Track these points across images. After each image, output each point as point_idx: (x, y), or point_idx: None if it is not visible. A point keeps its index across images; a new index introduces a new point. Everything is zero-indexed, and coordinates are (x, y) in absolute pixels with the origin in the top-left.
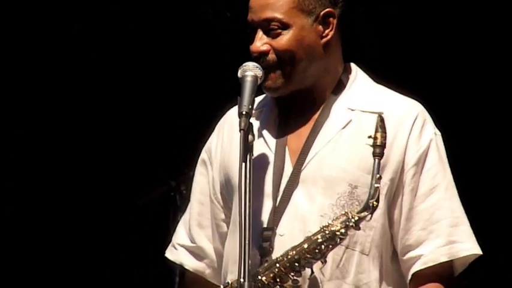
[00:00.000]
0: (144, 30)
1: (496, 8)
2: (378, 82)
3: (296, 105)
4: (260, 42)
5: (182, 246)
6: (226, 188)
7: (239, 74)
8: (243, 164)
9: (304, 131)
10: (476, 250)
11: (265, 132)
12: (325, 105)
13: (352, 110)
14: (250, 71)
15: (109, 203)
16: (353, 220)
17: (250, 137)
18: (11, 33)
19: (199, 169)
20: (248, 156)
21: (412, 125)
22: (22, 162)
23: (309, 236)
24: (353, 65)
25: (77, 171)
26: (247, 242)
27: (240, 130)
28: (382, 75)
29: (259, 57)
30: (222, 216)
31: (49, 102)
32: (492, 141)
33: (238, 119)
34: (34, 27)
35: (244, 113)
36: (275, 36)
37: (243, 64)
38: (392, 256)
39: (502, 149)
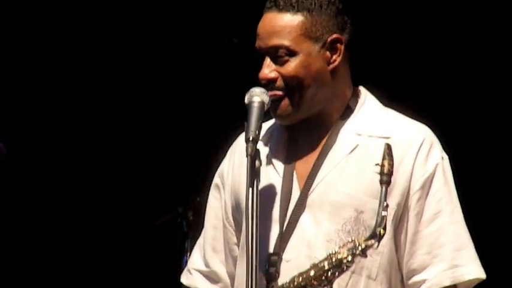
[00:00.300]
0: (150, 50)
1: (505, 28)
2: (386, 105)
3: (304, 130)
4: (268, 69)
5: (197, 270)
6: (237, 212)
7: (246, 100)
8: (250, 189)
9: (312, 155)
10: (480, 274)
11: (273, 157)
12: (333, 129)
13: (360, 134)
14: (257, 96)
15: (116, 228)
16: (360, 248)
17: (257, 162)
18: (11, 33)
19: (212, 193)
20: (255, 182)
21: (418, 149)
22: (22, 162)
23: (315, 262)
24: (362, 89)
25: (79, 178)
26: (254, 267)
27: (247, 156)
28: (391, 97)
29: (268, 84)
30: (235, 240)
31: (49, 102)
32: (500, 162)
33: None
34: (34, 27)
35: (251, 138)
36: (282, 63)
37: (250, 90)
38: (401, 281)
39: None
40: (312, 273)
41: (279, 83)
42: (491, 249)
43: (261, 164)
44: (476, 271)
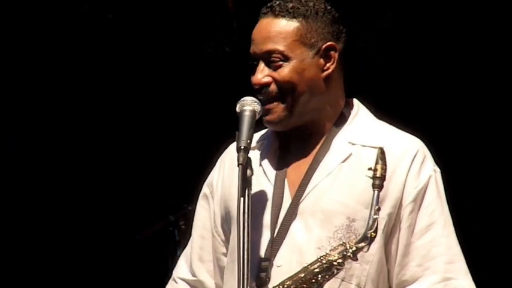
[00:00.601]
0: (150, 52)
1: (501, 38)
2: (379, 117)
3: (297, 138)
4: (261, 74)
5: (183, 280)
6: (226, 222)
7: (237, 109)
8: (241, 198)
9: (304, 163)
10: (472, 287)
11: (265, 164)
12: (326, 138)
13: (353, 144)
14: (248, 105)
15: (107, 237)
16: (351, 250)
17: (248, 171)
18: (11, 33)
19: (201, 203)
20: (246, 191)
21: (411, 161)
22: (22, 162)
23: (305, 265)
24: (355, 101)
25: (78, 179)
26: (245, 275)
27: (238, 165)
28: (382, 109)
29: (261, 89)
30: (223, 250)
31: (49, 102)
32: (492, 168)
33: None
34: (34, 27)
35: (242, 147)
36: (276, 68)
37: (241, 99)
38: None
39: (501, 183)
40: (302, 275)
41: (272, 87)
42: (482, 261)
43: (252, 173)
44: (468, 284)
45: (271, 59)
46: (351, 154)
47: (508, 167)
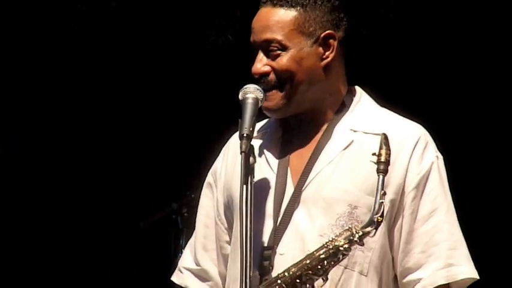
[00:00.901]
0: (146, 49)
1: (501, 29)
2: (382, 105)
3: (299, 126)
4: (260, 63)
5: (188, 269)
6: (229, 210)
7: (240, 97)
8: (244, 186)
9: (306, 151)
10: (474, 274)
11: (267, 153)
12: (328, 126)
13: (355, 131)
14: (251, 93)
15: (111, 225)
16: (357, 235)
17: (251, 159)
18: (11, 33)
19: (205, 192)
20: (249, 179)
21: (413, 147)
22: (22, 162)
23: (311, 252)
24: (358, 88)
25: (78, 177)
26: (247, 263)
27: (241, 152)
28: (385, 96)
29: (260, 78)
30: (227, 238)
31: (49, 102)
32: (494, 162)
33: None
34: (34, 27)
35: (245, 135)
36: (275, 57)
37: (244, 86)
38: (394, 279)
39: (503, 171)
40: (307, 261)
41: (271, 77)
42: (485, 250)
43: (255, 160)
44: (470, 271)
45: (269, 48)
46: (352, 141)
47: (509, 159)
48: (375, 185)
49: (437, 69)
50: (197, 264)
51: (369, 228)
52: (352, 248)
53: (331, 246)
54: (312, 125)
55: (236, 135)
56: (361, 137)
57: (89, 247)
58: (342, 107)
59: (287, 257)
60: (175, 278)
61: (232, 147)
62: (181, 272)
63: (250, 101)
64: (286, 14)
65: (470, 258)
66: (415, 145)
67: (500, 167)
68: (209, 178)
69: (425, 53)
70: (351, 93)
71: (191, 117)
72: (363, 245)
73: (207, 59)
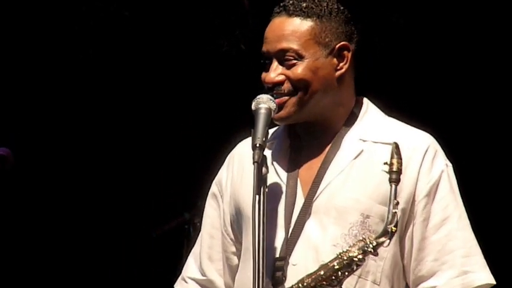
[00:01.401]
0: (151, 53)
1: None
2: (391, 113)
3: (308, 136)
4: (275, 72)
5: (193, 279)
6: (237, 221)
7: (253, 107)
8: (257, 196)
9: (316, 161)
10: (490, 279)
11: (276, 163)
12: (337, 136)
13: (364, 140)
14: (264, 103)
15: (123, 234)
16: (371, 246)
17: (264, 169)
18: (11, 33)
19: (209, 202)
20: (262, 189)
21: (423, 156)
22: (22, 162)
23: (324, 263)
24: (365, 99)
25: (85, 183)
26: (261, 273)
27: (254, 163)
28: (397, 103)
29: (273, 88)
30: (233, 249)
31: (49, 103)
32: (502, 171)
33: (248, 152)
34: (34, 27)
35: (258, 145)
36: (290, 66)
37: (257, 97)
38: (406, 287)
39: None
40: (321, 273)
41: (286, 85)
42: (496, 255)
43: (268, 171)
44: (486, 277)
45: (285, 58)
46: (362, 151)
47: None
48: (386, 194)
49: (448, 76)
50: (203, 274)
51: (382, 239)
52: (366, 258)
53: (345, 257)
54: (321, 135)
55: (241, 144)
56: (371, 147)
57: (101, 256)
58: (351, 117)
59: (300, 267)
60: (179, 286)
61: (238, 156)
62: (185, 281)
63: (263, 111)
64: (302, 24)
65: (486, 264)
66: (425, 154)
67: (508, 173)
68: (214, 188)
69: (437, 59)
70: (359, 104)
71: (202, 127)
72: (377, 255)
73: (220, 68)
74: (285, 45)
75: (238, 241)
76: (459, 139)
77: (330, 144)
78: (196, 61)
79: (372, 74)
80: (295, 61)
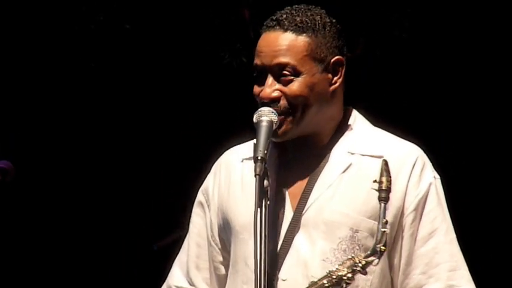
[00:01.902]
0: (151, 55)
1: (498, 47)
2: (375, 125)
3: (296, 150)
4: (270, 88)
5: None
6: (225, 231)
7: (254, 119)
8: (259, 209)
9: (304, 175)
10: None
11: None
12: (326, 149)
13: (352, 153)
14: (265, 116)
15: (124, 247)
16: (360, 265)
17: (265, 182)
18: (11, 33)
19: (196, 211)
20: (263, 202)
21: (411, 169)
22: (22, 162)
23: (314, 280)
24: (353, 110)
25: (83, 191)
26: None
27: (255, 175)
28: (399, 115)
29: (269, 104)
30: (220, 258)
31: (49, 103)
32: (492, 183)
33: (235, 162)
34: (34, 28)
35: (259, 158)
36: (286, 82)
37: (259, 109)
38: None
39: (502, 192)
40: None
41: (283, 102)
42: (484, 268)
43: (269, 183)
44: None
45: (281, 73)
46: (350, 164)
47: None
48: (374, 208)
49: (450, 89)
50: (190, 283)
51: (372, 258)
52: (356, 277)
53: (334, 276)
54: (309, 149)
55: (227, 153)
56: (359, 160)
57: (101, 269)
58: (339, 130)
59: (290, 282)
60: None
61: (225, 165)
62: None
63: (265, 124)
64: (298, 40)
65: (471, 279)
66: (413, 167)
67: (500, 183)
68: (200, 197)
69: (439, 73)
70: (347, 115)
71: (207, 140)
72: (366, 274)
73: (221, 79)
74: (282, 60)
75: (226, 250)
76: (458, 150)
77: (319, 157)
78: (199, 73)
79: (371, 86)
80: (292, 77)
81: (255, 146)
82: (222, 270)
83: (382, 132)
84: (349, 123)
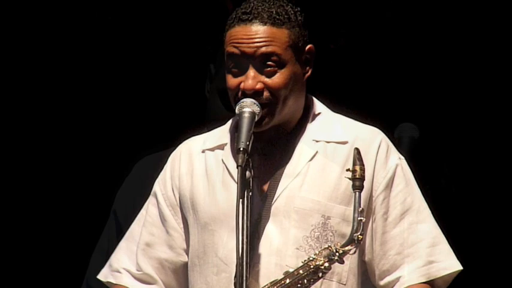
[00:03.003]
0: (143, 56)
1: (485, 42)
2: (334, 110)
3: (262, 139)
4: (253, 80)
5: (128, 271)
6: (186, 222)
7: (236, 110)
8: (240, 200)
9: (272, 164)
10: (456, 266)
11: (230, 166)
12: (292, 138)
13: (317, 141)
14: (247, 107)
15: None
16: (337, 254)
17: (247, 173)
18: (11, 33)
19: (152, 201)
20: (246, 193)
21: (377, 152)
22: (22, 162)
23: (290, 271)
24: (313, 98)
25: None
26: (245, 279)
27: (238, 166)
28: (385, 97)
29: (252, 96)
30: (185, 246)
31: (49, 103)
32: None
33: (197, 151)
34: (34, 27)
35: (241, 149)
36: (269, 74)
37: (241, 100)
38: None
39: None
40: (287, 281)
41: (265, 94)
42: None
43: (251, 174)
44: (453, 264)
45: (266, 64)
46: (316, 152)
47: (508, 171)
48: (344, 193)
49: (435, 70)
50: (138, 269)
51: (349, 247)
52: (332, 266)
53: (311, 266)
54: (275, 138)
55: (188, 142)
56: (324, 147)
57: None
58: (303, 118)
59: (262, 272)
60: (112, 279)
61: (185, 155)
62: (119, 272)
63: (247, 115)
64: (280, 31)
65: (451, 251)
66: (378, 149)
67: (497, 178)
68: (156, 187)
69: (424, 53)
70: (308, 104)
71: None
72: (343, 263)
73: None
74: (268, 49)
75: (188, 239)
76: (452, 138)
77: (285, 146)
78: (183, 64)
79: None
80: (276, 68)
81: (237, 137)
82: (185, 258)
83: (344, 118)
84: (312, 111)
